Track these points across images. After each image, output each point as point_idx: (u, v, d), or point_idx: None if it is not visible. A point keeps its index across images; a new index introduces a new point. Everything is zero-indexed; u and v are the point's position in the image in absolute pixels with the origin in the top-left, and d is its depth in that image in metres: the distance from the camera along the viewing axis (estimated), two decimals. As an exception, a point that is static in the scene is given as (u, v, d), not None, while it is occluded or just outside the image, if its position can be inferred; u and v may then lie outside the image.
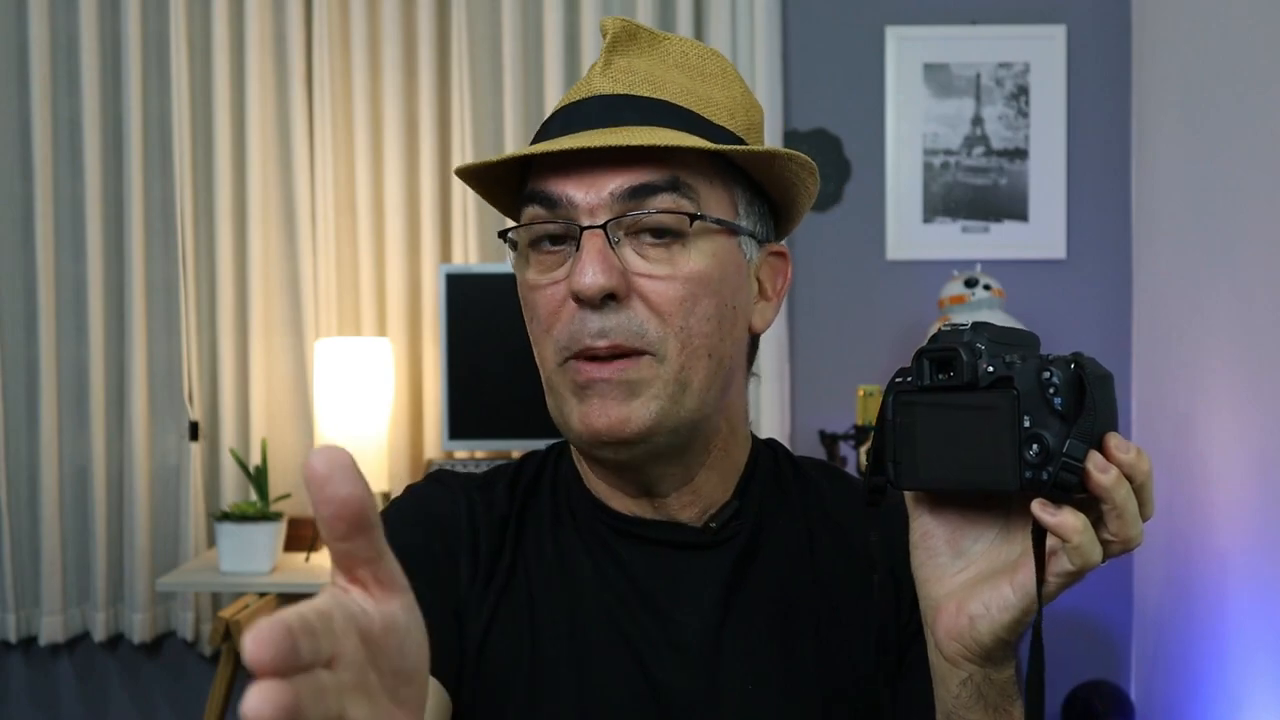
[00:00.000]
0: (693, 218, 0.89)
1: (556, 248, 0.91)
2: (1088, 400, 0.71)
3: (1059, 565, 0.72)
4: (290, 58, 2.87)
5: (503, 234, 0.94)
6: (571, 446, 1.01)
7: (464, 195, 2.88)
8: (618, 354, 0.88)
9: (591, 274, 0.86)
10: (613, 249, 0.88)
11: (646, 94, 0.92)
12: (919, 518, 0.80)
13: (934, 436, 0.76)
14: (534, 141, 0.93)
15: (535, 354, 0.95)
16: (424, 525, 0.97)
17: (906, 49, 2.94)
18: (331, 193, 2.88)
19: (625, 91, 0.92)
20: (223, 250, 2.88)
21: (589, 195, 0.88)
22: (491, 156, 0.93)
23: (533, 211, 0.91)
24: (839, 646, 0.95)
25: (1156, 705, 2.76)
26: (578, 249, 0.88)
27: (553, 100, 2.85)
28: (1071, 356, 0.73)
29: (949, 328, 0.77)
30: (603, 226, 0.88)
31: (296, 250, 2.89)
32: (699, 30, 2.89)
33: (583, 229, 0.88)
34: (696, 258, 0.90)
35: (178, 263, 2.87)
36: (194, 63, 2.90)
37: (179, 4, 2.85)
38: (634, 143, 0.86)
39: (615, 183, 0.88)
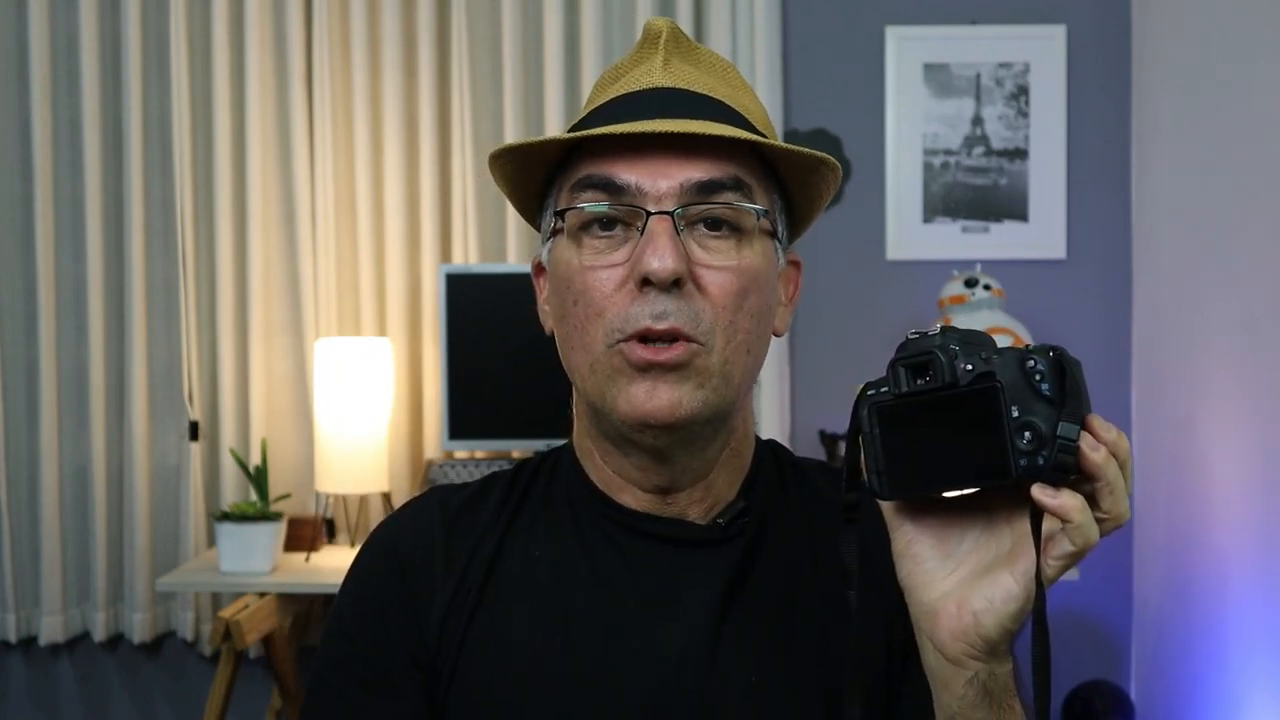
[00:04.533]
0: (759, 213, 0.92)
1: (608, 233, 0.91)
2: (1070, 384, 0.72)
3: (1059, 548, 0.73)
4: (290, 58, 2.87)
5: (560, 212, 0.94)
6: (577, 446, 1.01)
7: (464, 195, 2.88)
8: (673, 338, 0.89)
9: (664, 257, 0.87)
10: (678, 235, 0.89)
11: (704, 93, 0.94)
12: (900, 527, 0.81)
13: (919, 442, 0.77)
14: (590, 122, 0.94)
15: (570, 339, 0.93)
16: (391, 566, 0.98)
17: (906, 49, 2.94)
18: (331, 193, 2.88)
19: (686, 88, 0.94)
20: (223, 250, 2.88)
21: (658, 183, 0.89)
22: (560, 134, 0.92)
23: (591, 196, 0.91)
24: (841, 644, 0.95)
25: (1156, 705, 2.76)
26: (641, 234, 0.89)
27: (552, 100, 2.86)
28: (1047, 346, 0.74)
29: (916, 335, 0.78)
30: (671, 213, 0.89)
31: (296, 250, 2.88)
32: (699, 30, 2.89)
33: (650, 214, 0.89)
34: (751, 255, 0.92)
35: (178, 263, 2.87)
36: (194, 63, 2.90)
37: (179, 4, 2.85)
38: (717, 133, 0.88)
39: (684, 175, 0.90)
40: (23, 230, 2.92)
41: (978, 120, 2.94)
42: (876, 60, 2.95)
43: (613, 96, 0.95)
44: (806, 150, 0.93)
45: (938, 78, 2.94)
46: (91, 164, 2.88)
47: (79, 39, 2.87)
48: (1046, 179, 2.93)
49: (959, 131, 2.94)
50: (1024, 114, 2.94)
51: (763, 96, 2.83)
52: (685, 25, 2.85)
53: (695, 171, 0.90)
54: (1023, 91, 2.93)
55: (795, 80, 2.96)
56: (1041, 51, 2.93)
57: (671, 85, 0.94)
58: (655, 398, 0.89)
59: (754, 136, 0.91)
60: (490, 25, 2.90)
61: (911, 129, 2.95)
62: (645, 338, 0.89)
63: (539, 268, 1.01)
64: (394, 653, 0.95)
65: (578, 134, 0.91)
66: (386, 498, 2.73)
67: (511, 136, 2.86)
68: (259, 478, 2.60)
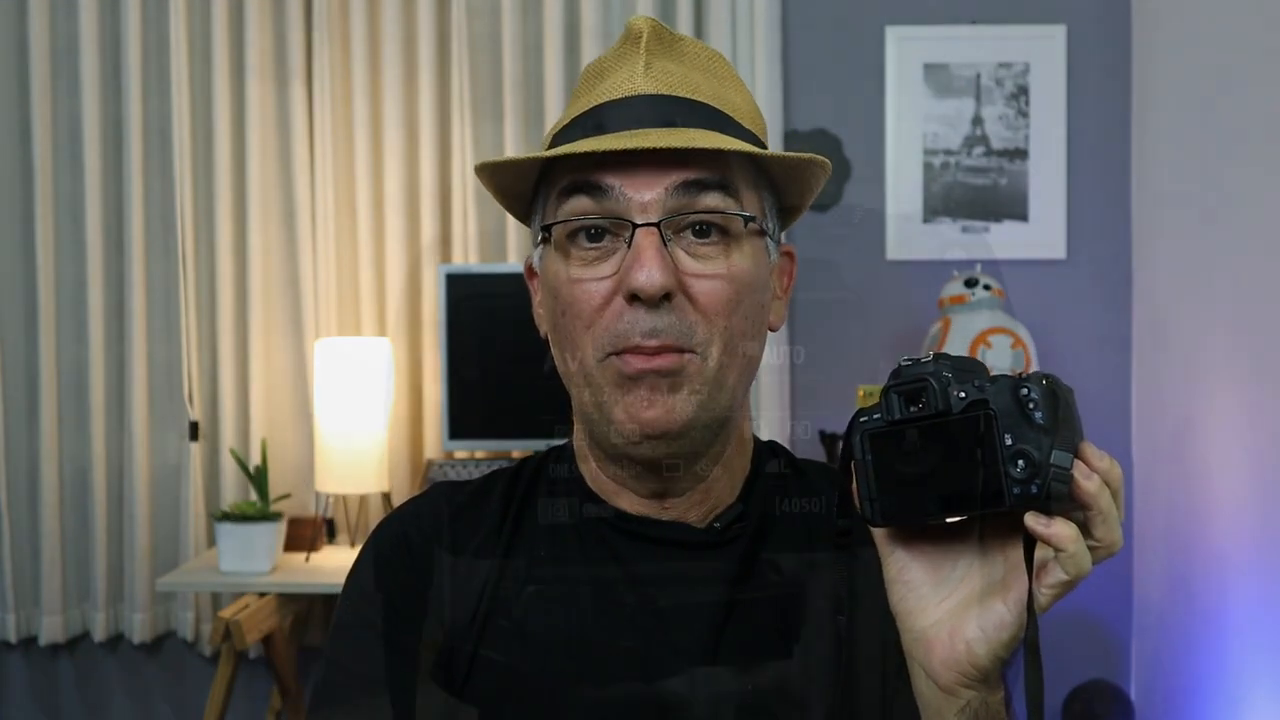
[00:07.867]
0: (746, 219, 0.91)
1: (595, 244, 0.91)
2: (1063, 412, 0.72)
3: (1052, 576, 0.73)
4: (290, 58, 2.87)
5: (547, 227, 0.93)
6: (575, 448, 1.01)
7: (464, 195, 2.88)
8: (664, 350, 0.89)
9: (651, 273, 0.87)
10: (665, 247, 0.88)
11: (687, 95, 0.93)
12: (892, 553, 0.80)
13: (913, 469, 0.76)
14: (572, 131, 0.93)
15: (563, 348, 0.94)
16: (401, 557, 0.98)
17: (906, 49, 2.94)
18: (331, 192, 2.88)
19: (668, 92, 0.93)
20: (223, 250, 2.88)
21: (642, 191, 0.89)
22: (539, 152, 0.92)
23: (578, 203, 0.91)
24: (837, 654, 0.94)
25: (1156, 705, 2.75)
26: (629, 246, 0.89)
27: (552, 100, 2.86)
28: (1040, 373, 0.74)
29: (908, 361, 0.77)
30: (657, 225, 0.88)
31: (296, 250, 2.89)
32: (699, 30, 2.89)
33: (636, 226, 0.88)
34: (740, 259, 0.91)
35: (178, 263, 2.87)
36: (194, 63, 2.90)
37: (179, 4, 2.85)
38: (699, 145, 0.87)
39: (669, 179, 0.89)
40: (23, 230, 2.92)
41: (978, 120, 2.94)
42: (876, 60, 2.95)
43: (594, 105, 0.94)
44: (794, 155, 0.92)
45: (938, 78, 2.94)
46: (91, 164, 2.88)
47: (79, 39, 2.87)
48: (1046, 179, 2.93)
49: (959, 131, 2.94)
50: (1024, 114, 2.94)
51: (762, 96, 2.83)
52: (685, 25, 2.85)
53: (680, 174, 0.89)
54: (1023, 91, 2.93)
55: (795, 80, 2.96)
56: (1041, 51, 2.93)
57: (654, 92, 0.93)
58: (653, 406, 0.89)
59: (739, 146, 0.90)
60: (490, 25, 2.90)
61: (911, 129, 2.95)
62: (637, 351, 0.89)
63: (531, 270, 1.01)
64: (413, 633, 0.95)
65: (559, 150, 0.90)
66: (386, 498, 2.73)
67: (511, 136, 2.86)
68: (259, 478, 2.60)
